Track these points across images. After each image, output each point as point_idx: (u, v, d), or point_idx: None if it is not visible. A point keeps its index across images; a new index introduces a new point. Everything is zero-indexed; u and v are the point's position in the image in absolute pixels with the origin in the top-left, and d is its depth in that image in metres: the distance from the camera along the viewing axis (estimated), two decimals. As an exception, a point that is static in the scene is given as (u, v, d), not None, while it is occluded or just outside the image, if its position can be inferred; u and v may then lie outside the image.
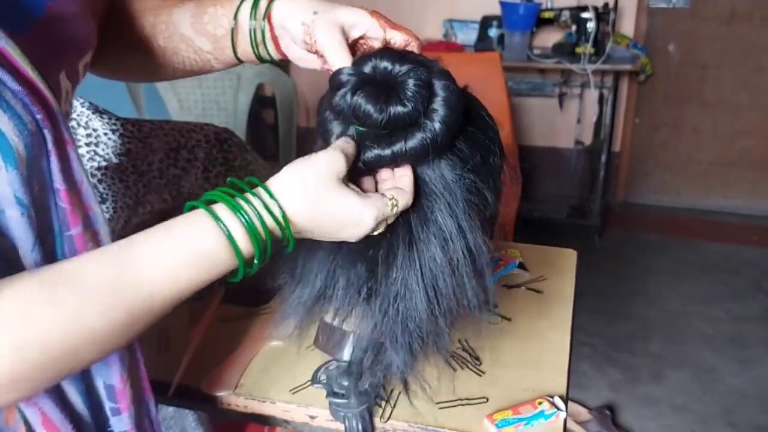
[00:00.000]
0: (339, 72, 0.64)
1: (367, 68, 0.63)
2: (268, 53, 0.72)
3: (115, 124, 1.07)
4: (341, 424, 0.79)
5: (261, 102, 3.41)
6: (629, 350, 2.51)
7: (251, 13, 0.70)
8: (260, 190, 0.56)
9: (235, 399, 0.85)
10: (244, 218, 0.53)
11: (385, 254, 0.67)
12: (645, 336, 2.60)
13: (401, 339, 0.68)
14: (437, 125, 0.62)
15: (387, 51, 0.65)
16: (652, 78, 3.53)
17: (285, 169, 0.58)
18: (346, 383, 0.78)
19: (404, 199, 0.63)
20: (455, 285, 0.67)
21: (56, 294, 0.45)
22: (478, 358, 0.91)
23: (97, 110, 1.08)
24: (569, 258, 1.21)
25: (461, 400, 0.83)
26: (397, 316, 0.67)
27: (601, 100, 3.37)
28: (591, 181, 3.53)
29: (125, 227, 1.03)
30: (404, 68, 0.62)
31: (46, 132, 0.49)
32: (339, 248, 0.69)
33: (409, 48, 0.68)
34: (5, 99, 0.46)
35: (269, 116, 3.53)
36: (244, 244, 0.53)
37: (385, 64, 0.63)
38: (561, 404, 0.81)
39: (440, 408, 0.81)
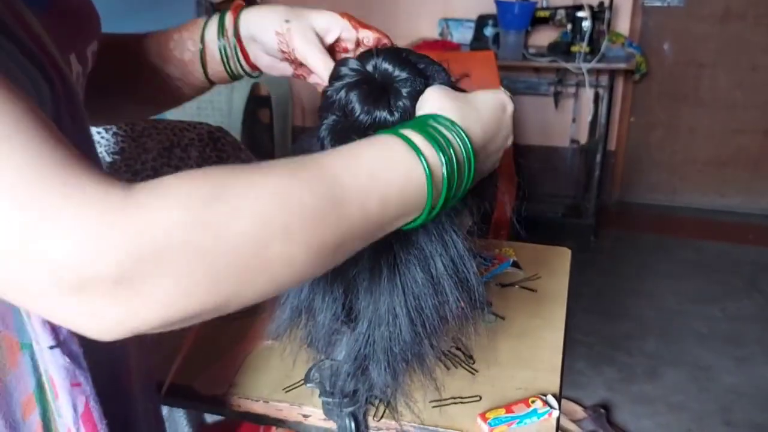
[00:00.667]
0: (344, 63, 0.63)
1: (369, 66, 0.62)
2: (241, 67, 0.73)
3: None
4: (334, 423, 0.79)
5: (256, 101, 3.40)
6: (625, 349, 2.52)
7: (218, 31, 0.70)
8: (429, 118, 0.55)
9: (229, 398, 0.85)
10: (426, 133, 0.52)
11: (367, 278, 0.63)
12: (641, 335, 2.60)
13: (385, 362, 0.66)
14: None
15: (391, 51, 0.63)
16: (647, 77, 3.54)
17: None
18: (339, 383, 0.78)
19: None
20: (438, 304, 0.63)
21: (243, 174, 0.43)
22: (471, 357, 0.90)
23: (90, 109, 1.07)
24: (563, 256, 1.21)
25: (454, 398, 0.83)
26: (381, 341, 0.65)
27: (596, 99, 3.38)
28: (586, 180, 3.53)
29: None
30: (403, 74, 0.61)
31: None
32: None
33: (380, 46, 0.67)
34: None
35: (265, 115, 3.52)
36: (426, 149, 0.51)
37: (386, 66, 0.61)
38: (554, 403, 0.81)
39: (433, 406, 0.81)
